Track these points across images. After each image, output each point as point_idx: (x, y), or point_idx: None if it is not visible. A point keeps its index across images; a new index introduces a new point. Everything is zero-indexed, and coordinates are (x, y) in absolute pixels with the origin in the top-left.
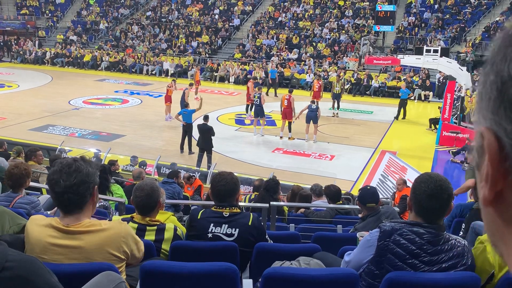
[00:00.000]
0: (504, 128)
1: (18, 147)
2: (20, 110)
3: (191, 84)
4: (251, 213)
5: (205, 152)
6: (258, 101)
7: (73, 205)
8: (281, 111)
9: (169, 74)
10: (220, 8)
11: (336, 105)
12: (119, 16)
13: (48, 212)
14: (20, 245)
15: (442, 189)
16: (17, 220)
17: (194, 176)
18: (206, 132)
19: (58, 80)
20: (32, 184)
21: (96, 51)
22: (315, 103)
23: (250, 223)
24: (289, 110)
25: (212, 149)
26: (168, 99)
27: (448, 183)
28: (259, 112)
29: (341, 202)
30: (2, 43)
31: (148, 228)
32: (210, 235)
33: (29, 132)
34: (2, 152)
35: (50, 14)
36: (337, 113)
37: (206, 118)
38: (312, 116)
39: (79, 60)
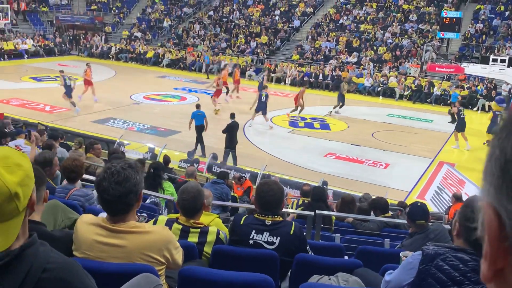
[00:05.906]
0: (505, 208)
1: (79, 139)
2: (84, 102)
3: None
4: (293, 222)
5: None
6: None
7: (120, 212)
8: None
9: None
10: (281, 9)
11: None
12: (182, 14)
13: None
14: (69, 241)
15: None
16: (69, 214)
17: (244, 176)
18: (234, 129)
19: (121, 75)
20: (88, 177)
21: (159, 48)
22: (265, 94)
23: (291, 232)
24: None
25: (236, 145)
26: (87, 82)
27: None
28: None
29: (389, 214)
30: (71, 37)
31: (191, 230)
32: (251, 241)
33: (91, 124)
34: (62, 143)
35: (117, 11)
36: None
37: (233, 115)
38: (263, 107)
39: (142, 56)
